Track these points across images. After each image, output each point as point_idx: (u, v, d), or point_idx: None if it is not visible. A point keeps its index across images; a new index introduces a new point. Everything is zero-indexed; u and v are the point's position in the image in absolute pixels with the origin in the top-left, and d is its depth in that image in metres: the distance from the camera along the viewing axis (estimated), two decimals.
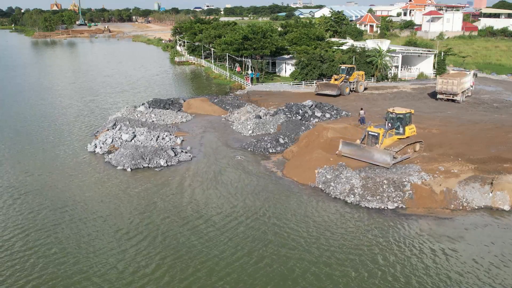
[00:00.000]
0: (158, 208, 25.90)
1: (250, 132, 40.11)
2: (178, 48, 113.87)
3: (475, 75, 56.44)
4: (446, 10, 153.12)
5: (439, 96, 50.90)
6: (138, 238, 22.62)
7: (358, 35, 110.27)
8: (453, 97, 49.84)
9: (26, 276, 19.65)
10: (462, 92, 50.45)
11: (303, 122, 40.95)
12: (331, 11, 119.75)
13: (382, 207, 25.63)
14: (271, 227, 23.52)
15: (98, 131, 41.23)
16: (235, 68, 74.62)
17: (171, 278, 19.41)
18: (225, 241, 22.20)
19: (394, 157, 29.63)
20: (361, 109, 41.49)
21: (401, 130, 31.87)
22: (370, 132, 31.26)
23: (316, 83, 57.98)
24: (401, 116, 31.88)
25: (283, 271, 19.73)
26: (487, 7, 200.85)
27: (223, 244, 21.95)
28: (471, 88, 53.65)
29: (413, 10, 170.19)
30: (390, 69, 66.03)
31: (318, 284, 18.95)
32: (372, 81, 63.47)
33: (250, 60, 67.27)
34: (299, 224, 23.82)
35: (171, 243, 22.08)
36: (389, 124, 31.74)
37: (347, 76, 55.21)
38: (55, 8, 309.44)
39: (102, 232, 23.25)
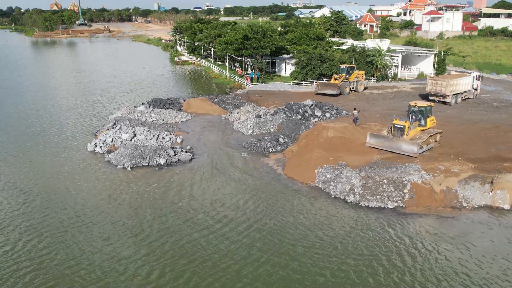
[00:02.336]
0: (170, 209, 25.64)
1: (250, 131, 40.12)
2: (178, 47, 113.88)
3: (480, 77, 53.08)
4: (446, 10, 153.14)
5: (430, 97, 49.37)
6: (159, 242, 22.29)
7: (358, 35, 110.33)
8: (443, 98, 48.40)
9: (44, 274, 19.71)
10: (455, 94, 48.73)
11: (303, 121, 40.97)
12: (331, 11, 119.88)
13: (382, 206, 25.65)
14: (282, 229, 23.38)
15: (98, 131, 41.24)
16: (235, 68, 74.65)
17: (199, 281, 19.24)
18: (241, 243, 22.08)
19: (420, 147, 31.22)
20: (355, 109, 41.52)
21: (422, 121, 33.87)
22: (396, 125, 33.13)
23: (316, 82, 57.99)
24: (422, 109, 33.87)
25: (302, 276, 19.61)
26: (487, 7, 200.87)
27: (242, 246, 21.89)
28: (473, 90, 51.58)
29: (413, 10, 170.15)
30: (390, 69, 66.01)
31: (335, 282, 19.07)
32: (372, 80, 63.48)
33: (250, 59, 67.27)
34: (308, 226, 23.75)
35: (193, 246, 21.78)
36: (413, 117, 33.73)
37: (347, 76, 55.22)
38: (55, 8, 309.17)
39: (122, 235, 22.94)
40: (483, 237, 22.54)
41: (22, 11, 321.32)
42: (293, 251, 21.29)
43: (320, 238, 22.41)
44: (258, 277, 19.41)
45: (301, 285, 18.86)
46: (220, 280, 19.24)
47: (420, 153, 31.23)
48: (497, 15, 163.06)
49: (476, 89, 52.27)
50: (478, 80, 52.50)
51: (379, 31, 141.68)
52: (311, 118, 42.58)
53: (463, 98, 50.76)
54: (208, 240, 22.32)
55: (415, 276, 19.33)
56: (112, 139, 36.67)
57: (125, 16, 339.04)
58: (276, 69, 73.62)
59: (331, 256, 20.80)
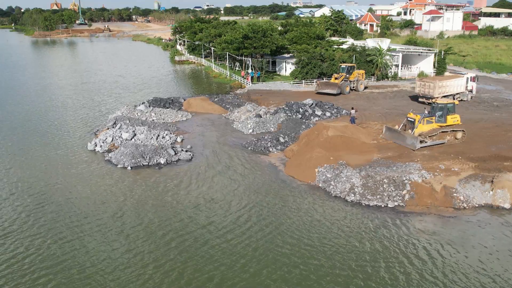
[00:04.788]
0: (181, 210, 25.46)
1: (251, 131, 40.10)
2: (178, 47, 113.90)
3: (475, 79, 51.14)
4: (446, 10, 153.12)
5: (420, 99, 48.32)
6: (174, 242, 22.19)
7: (358, 34, 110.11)
8: (431, 100, 45.92)
9: (67, 271, 19.85)
10: (445, 96, 47.16)
11: (304, 121, 40.95)
12: (331, 10, 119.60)
13: (383, 205, 25.63)
14: (295, 229, 23.30)
15: (98, 130, 41.23)
16: (236, 67, 74.63)
17: (221, 281, 19.25)
18: (259, 244, 22.01)
19: (422, 141, 32.49)
20: (352, 108, 41.52)
21: (442, 118, 34.27)
22: (408, 118, 34.57)
23: (316, 82, 57.96)
24: (442, 105, 34.40)
25: (321, 274, 19.64)
26: (487, 7, 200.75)
27: (259, 247, 21.86)
28: (467, 92, 49.84)
29: (413, 9, 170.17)
30: (390, 68, 65.98)
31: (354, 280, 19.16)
32: (373, 80, 63.45)
33: (250, 59, 67.24)
34: (319, 225, 23.75)
35: (211, 248, 21.64)
36: (426, 112, 34.70)
37: (348, 75, 55.17)
38: (55, 7, 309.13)
39: (138, 236, 22.70)
40: (482, 236, 22.55)
41: (22, 10, 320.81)
42: (310, 247, 21.39)
43: (334, 237, 22.43)
44: (278, 278, 19.34)
45: (320, 285, 18.91)
46: (245, 280, 19.24)
47: (423, 147, 32.44)
48: (497, 15, 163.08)
49: (471, 91, 50.59)
50: (474, 81, 50.74)
51: (379, 31, 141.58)
52: (312, 117, 42.56)
53: (456, 100, 47.97)
54: (226, 241, 22.22)
55: (436, 276, 19.37)
56: (112, 139, 36.65)
57: (125, 15, 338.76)
58: (276, 69, 73.57)
59: (350, 259, 20.67)
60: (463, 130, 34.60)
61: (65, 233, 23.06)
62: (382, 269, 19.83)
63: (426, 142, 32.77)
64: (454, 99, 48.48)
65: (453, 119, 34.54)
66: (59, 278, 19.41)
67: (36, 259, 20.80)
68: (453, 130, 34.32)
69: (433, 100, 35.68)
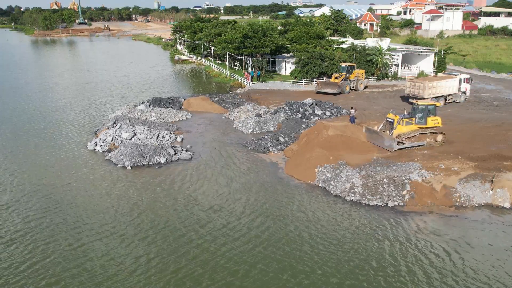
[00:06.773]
0: (186, 212, 25.39)
1: (251, 130, 40.11)
2: (178, 46, 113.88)
3: (469, 80, 50.17)
4: (446, 9, 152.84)
5: (410, 100, 46.74)
6: (185, 238, 22.29)
7: (358, 33, 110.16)
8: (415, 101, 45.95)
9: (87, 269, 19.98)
10: (436, 97, 46.60)
11: (304, 120, 40.96)
12: (331, 9, 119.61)
13: (383, 205, 25.64)
14: (291, 231, 23.25)
15: (98, 129, 41.23)
16: (235, 66, 74.61)
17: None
18: (268, 243, 22.07)
19: (399, 143, 32.27)
20: (352, 107, 41.52)
21: (423, 120, 33.86)
22: (387, 119, 34.29)
23: (316, 81, 57.95)
24: (422, 107, 33.87)
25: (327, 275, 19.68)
26: (487, 6, 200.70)
27: (269, 245, 21.96)
28: (460, 94, 49.13)
29: (413, 8, 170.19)
30: (390, 68, 65.98)
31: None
32: (372, 79, 63.44)
33: (250, 58, 67.22)
34: (324, 225, 23.78)
35: (218, 248, 21.63)
36: (405, 113, 34.49)
37: (347, 75, 55.18)
38: (54, 7, 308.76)
39: (149, 243, 22.37)
40: (495, 235, 22.63)
41: (22, 10, 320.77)
42: (320, 247, 21.47)
43: (341, 237, 22.48)
44: (288, 279, 19.36)
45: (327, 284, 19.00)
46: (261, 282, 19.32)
47: (401, 149, 32.32)
48: (497, 14, 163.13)
49: (464, 93, 49.85)
50: (467, 83, 49.92)
51: (379, 30, 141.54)
52: (312, 117, 42.57)
53: (449, 101, 48.52)
54: (232, 241, 22.22)
55: (444, 275, 19.45)
56: (112, 138, 36.66)
57: (125, 15, 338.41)
58: (276, 68, 73.57)
59: (358, 258, 20.75)
60: (443, 133, 34.04)
61: (73, 235, 22.94)
62: (389, 268, 19.87)
63: (404, 143, 32.35)
64: (446, 100, 48.24)
65: (433, 121, 33.88)
66: (70, 280, 19.37)
67: (44, 261, 20.75)
68: (433, 132, 33.71)
69: (415, 101, 35.03)
